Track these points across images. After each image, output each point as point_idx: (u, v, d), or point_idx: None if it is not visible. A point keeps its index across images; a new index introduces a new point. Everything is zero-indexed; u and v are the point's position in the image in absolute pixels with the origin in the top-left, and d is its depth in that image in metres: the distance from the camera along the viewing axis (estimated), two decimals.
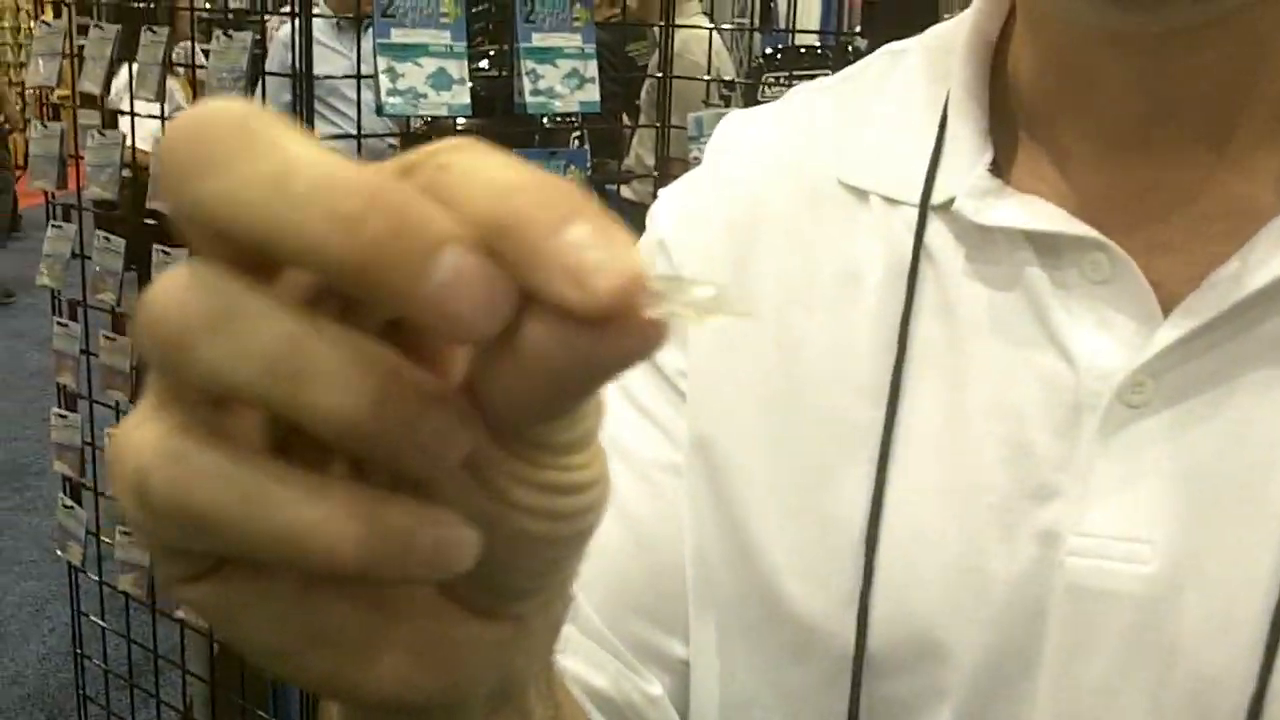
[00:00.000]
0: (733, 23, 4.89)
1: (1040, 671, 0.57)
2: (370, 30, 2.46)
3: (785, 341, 0.66)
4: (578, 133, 3.22)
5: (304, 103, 2.47)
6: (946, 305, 0.62)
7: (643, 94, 4.35)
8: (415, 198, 0.28)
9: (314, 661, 0.33)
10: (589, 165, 2.95)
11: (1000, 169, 0.63)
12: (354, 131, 2.62)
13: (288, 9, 2.78)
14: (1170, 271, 0.58)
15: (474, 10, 4.04)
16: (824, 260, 0.66)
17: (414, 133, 2.81)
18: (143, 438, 0.31)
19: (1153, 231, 0.59)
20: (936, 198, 0.63)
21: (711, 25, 3.23)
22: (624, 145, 4.32)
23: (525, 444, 0.32)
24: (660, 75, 3.08)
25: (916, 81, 0.68)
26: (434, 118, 2.74)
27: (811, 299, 0.66)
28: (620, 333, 0.28)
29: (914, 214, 0.64)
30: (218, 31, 2.54)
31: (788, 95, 0.76)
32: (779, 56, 3.92)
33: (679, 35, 3.86)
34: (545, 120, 2.91)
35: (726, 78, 3.37)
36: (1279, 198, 0.57)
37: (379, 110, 2.46)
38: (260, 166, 0.28)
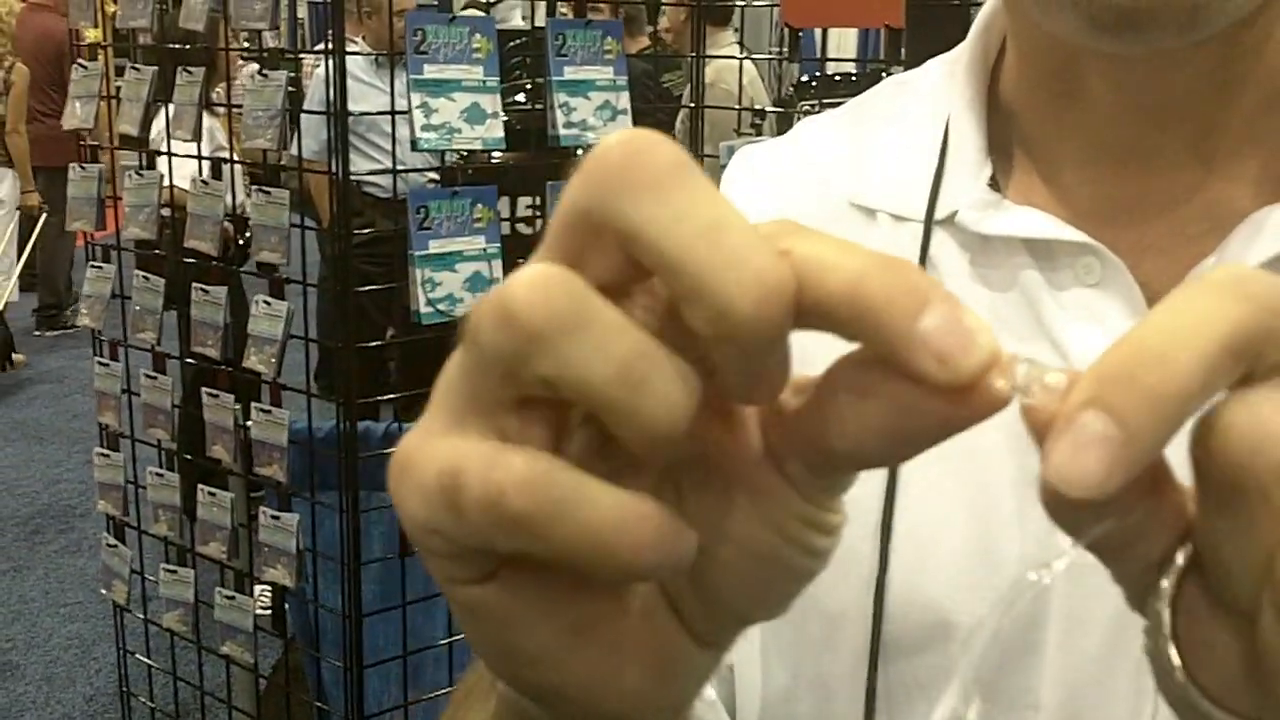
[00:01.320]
0: (766, 53, 4.91)
1: (1045, 645, 0.61)
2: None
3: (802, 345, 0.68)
4: None
5: (339, 139, 2.49)
6: None
7: (677, 124, 4.38)
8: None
9: (573, 667, 0.36)
10: None
11: (998, 183, 0.67)
12: (394, 166, 2.64)
13: (322, 47, 2.81)
14: (1156, 272, 0.62)
15: (510, 45, 4.08)
16: None
17: (450, 166, 2.82)
18: (450, 445, 0.34)
19: (1140, 236, 0.62)
20: (940, 212, 0.67)
21: (742, 55, 3.23)
22: None
23: (814, 485, 0.36)
24: (693, 105, 3.08)
25: (920, 106, 0.72)
26: (469, 151, 2.76)
27: None
28: (971, 402, 0.32)
29: (920, 228, 0.68)
30: (253, 70, 2.56)
31: (797, 125, 0.81)
32: (813, 85, 3.94)
33: (712, 65, 3.88)
34: (580, 152, 2.92)
35: (759, 107, 3.37)
36: (1255, 198, 0.60)
37: (414, 145, 2.47)
38: (701, 209, 0.32)
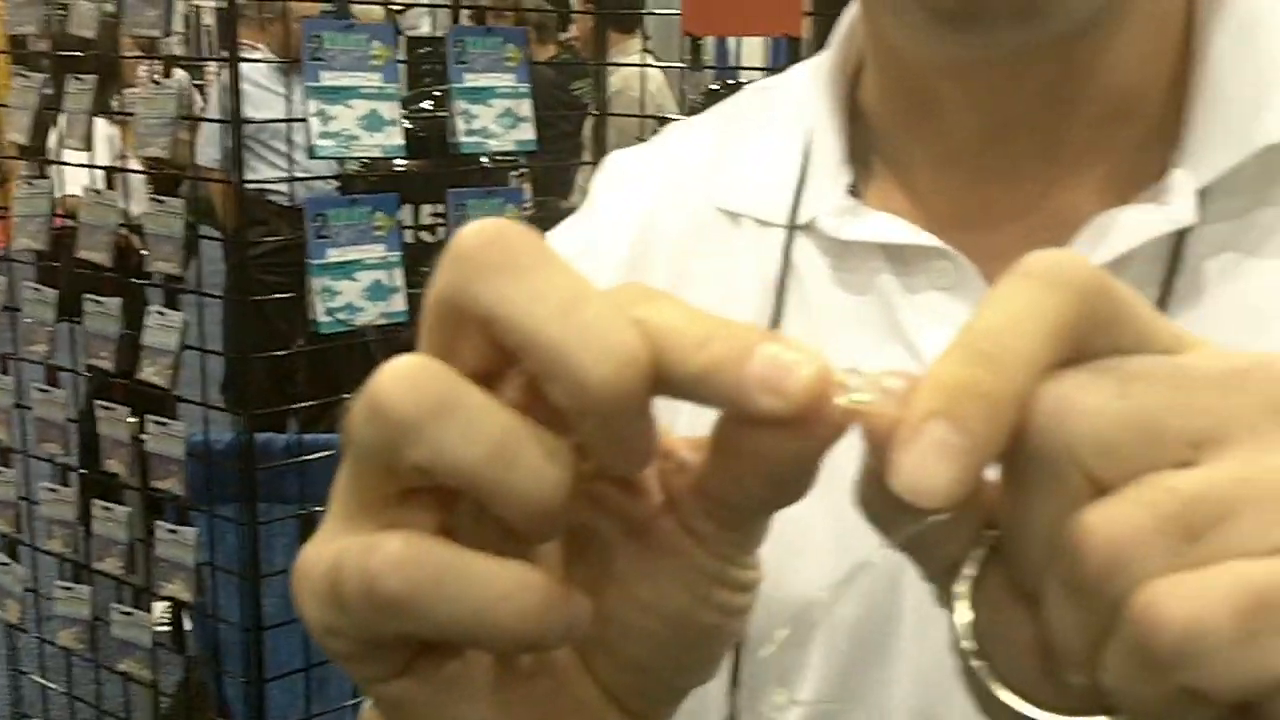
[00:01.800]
0: (675, 61, 4.92)
1: (901, 633, 0.62)
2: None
3: None
4: (519, 171, 3.21)
5: (236, 147, 2.46)
6: (809, 311, 0.67)
7: (586, 131, 4.37)
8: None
9: (438, 688, 0.36)
10: (528, 204, 2.95)
11: (858, 189, 0.69)
12: (293, 174, 2.62)
13: (224, 55, 2.77)
14: None
15: (420, 52, 4.05)
16: (705, 279, 0.71)
17: (350, 174, 2.79)
18: (337, 544, 0.35)
19: (991, 241, 0.64)
20: (801, 218, 0.69)
21: (644, 63, 3.24)
22: (573, 182, 4.34)
23: (722, 540, 0.37)
24: (598, 113, 3.08)
25: (784, 113, 0.73)
26: (370, 159, 2.74)
27: None
28: (817, 426, 0.33)
29: (783, 234, 0.69)
30: (144, 78, 2.52)
31: (665, 131, 0.83)
32: (722, 92, 3.95)
33: (621, 73, 3.88)
34: (486, 159, 2.91)
35: (665, 115, 3.38)
36: (1099, 203, 0.62)
37: (311, 153, 2.44)
38: (556, 288, 0.33)
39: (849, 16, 0.72)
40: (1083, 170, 0.63)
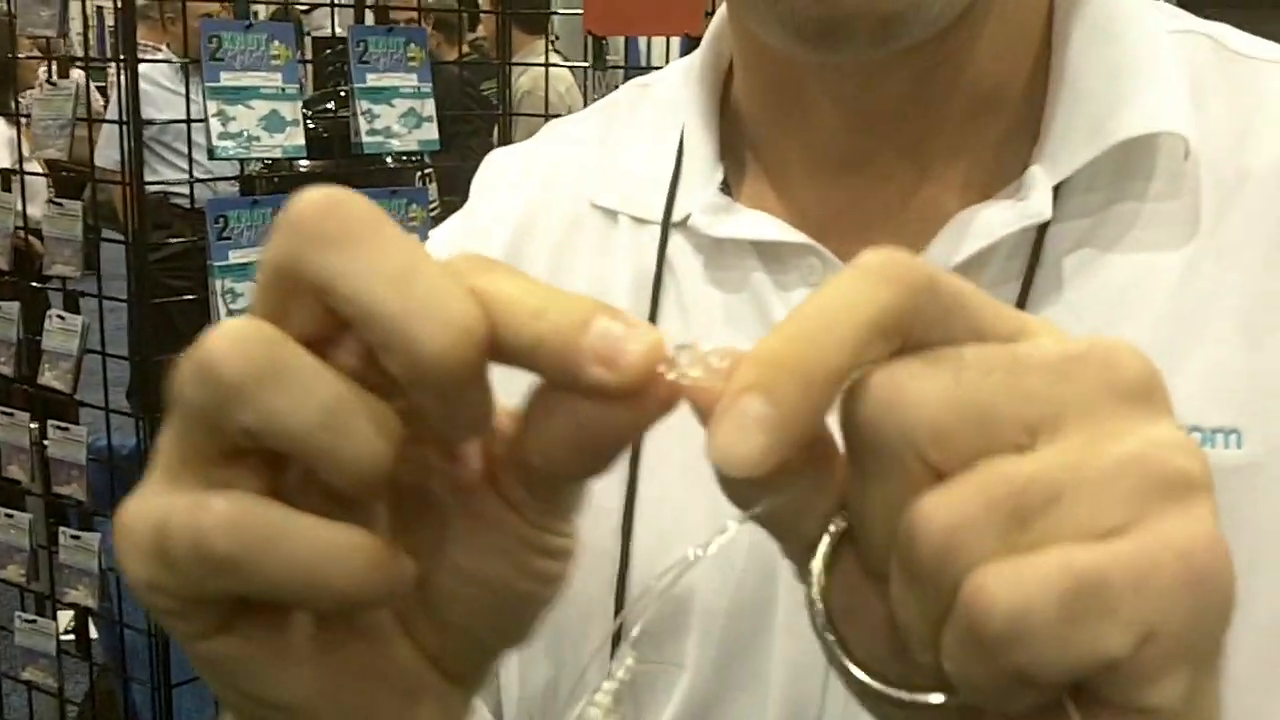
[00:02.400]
0: (582, 61, 4.93)
1: (775, 625, 0.63)
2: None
3: None
4: (423, 171, 3.21)
5: (133, 149, 2.44)
6: (684, 308, 0.68)
7: (495, 130, 4.37)
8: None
9: (322, 712, 0.37)
10: (433, 204, 2.94)
11: (731, 188, 0.69)
12: (195, 175, 2.60)
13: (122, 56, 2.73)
14: None
15: (326, 52, 4.03)
16: (580, 274, 0.72)
17: (251, 175, 2.78)
18: (161, 501, 0.35)
19: (859, 238, 0.64)
20: (676, 215, 0.69)
21: (548, 63, 3.25)
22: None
23: (536, 509, 0.38)
24: (502, 113, 3.09)
25: (659, 111, 0.75)
26: (272, 160, 2.72)
27: None
28: (645, 401, 0.34)
29: (658, 231, 0.70)
30: (41, 79, 2.49)
31: (544, 128, 0.83)
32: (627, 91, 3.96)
33: (530, 73, 3.89)
34: (390, 159, 2.90)
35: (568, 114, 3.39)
36: (962, 201, 0.64)
37: (211, 154, 2.43)
38: (392, 259, 0.33)
39: (720, 17, 0.73)
40: (947, 168, 0.65)
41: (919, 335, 0.33)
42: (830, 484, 0.35)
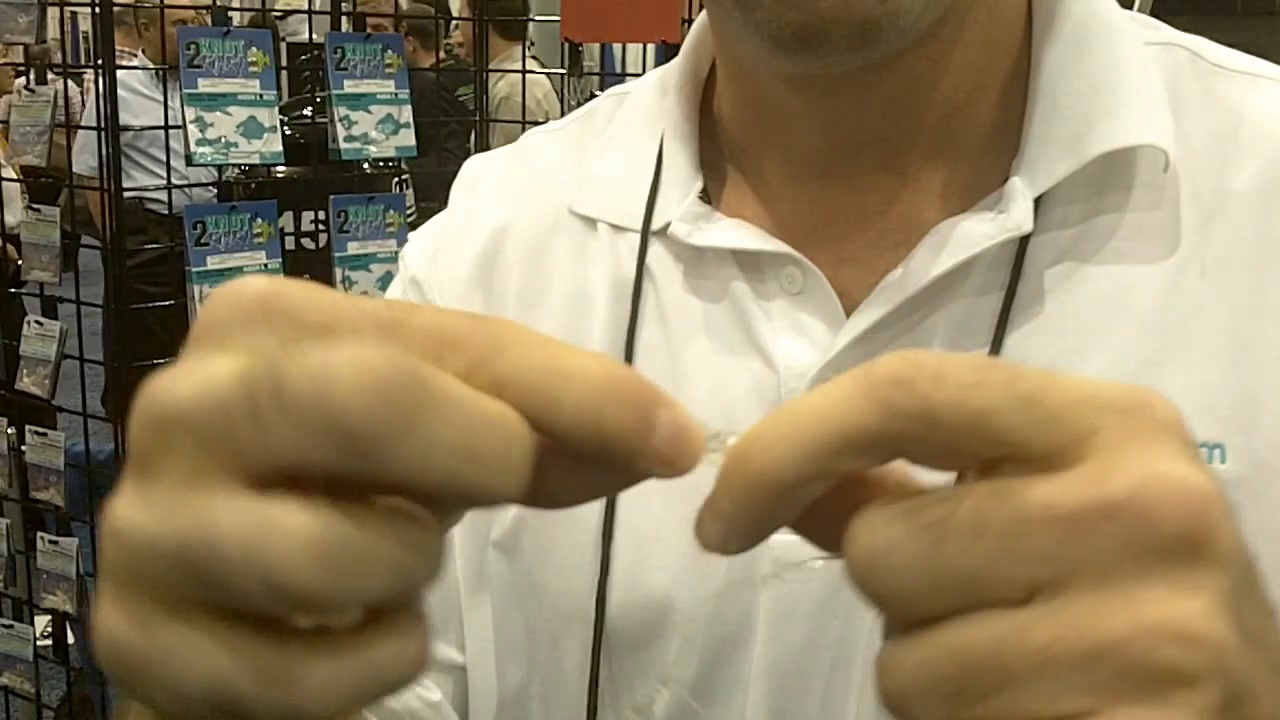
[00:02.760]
0: (560, 67, 4.95)
1: (755, 635, 0.64)
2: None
3: None
4: (399, 177, 3.22)
5: (111, 155, 2.44)
6: (664, 316, 0.69)
7: (472, 136, 4.38)
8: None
9: None
10: (410, 210, 2.96)
11: (710, 196, 0.70)
12: (173, 181, 2.61)
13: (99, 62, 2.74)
14: (853, 281, 0.65)
15: (301, 59, 4.03)
16: (558, 281, 0.73)
17: (228, 181, 2.78)
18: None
19: (838, 248, 0.66)
20: (655, 223, 0.70)
21: (525, 69, 3.26)
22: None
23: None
24: (479, 119, 3.10)
25: (638, 120, 0.75)
26: (249, 166, 2.73)
27: (544, 314, 0.72)
28: (665, 472, 0.35)
29: (637, 239, 0.71)
30: (19, 86, 2.50)
31: (524, 136, 0.84)
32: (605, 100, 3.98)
33: (507, 79, 3.90)
34: (366, 165, 2.91)
35: (546, 120, 3.41)
36: (941, 211, 0.64)
37: (189, 160, 2.44)
38: (449, 435, 0.31)
39: (699, 26, 0.74)
40: (925, 179, 0.65)
41: (921, 454, 0.33)
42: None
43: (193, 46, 2.41)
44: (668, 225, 0.69)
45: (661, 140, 0.72)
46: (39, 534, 2.65)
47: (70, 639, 2.89)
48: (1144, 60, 0.65)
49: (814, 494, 0.34)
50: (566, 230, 0.74)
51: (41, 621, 2.97)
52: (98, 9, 2.41)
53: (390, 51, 2.70)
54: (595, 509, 0.67)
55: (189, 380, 0.32)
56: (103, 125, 2.42)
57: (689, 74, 0.73)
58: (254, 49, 2.49)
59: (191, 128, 2.39)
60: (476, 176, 0.81)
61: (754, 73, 0.67)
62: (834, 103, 0.64)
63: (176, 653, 0.32)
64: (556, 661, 0.69)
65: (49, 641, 3.00)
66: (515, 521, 0.70)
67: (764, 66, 0.65)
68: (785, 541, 0.61)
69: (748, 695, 0.64)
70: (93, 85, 3.79)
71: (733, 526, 0.34)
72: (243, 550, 0.31)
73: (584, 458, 0.34)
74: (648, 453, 0.34)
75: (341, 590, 0.31)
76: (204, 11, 3.15)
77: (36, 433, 2.58)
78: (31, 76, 2.64)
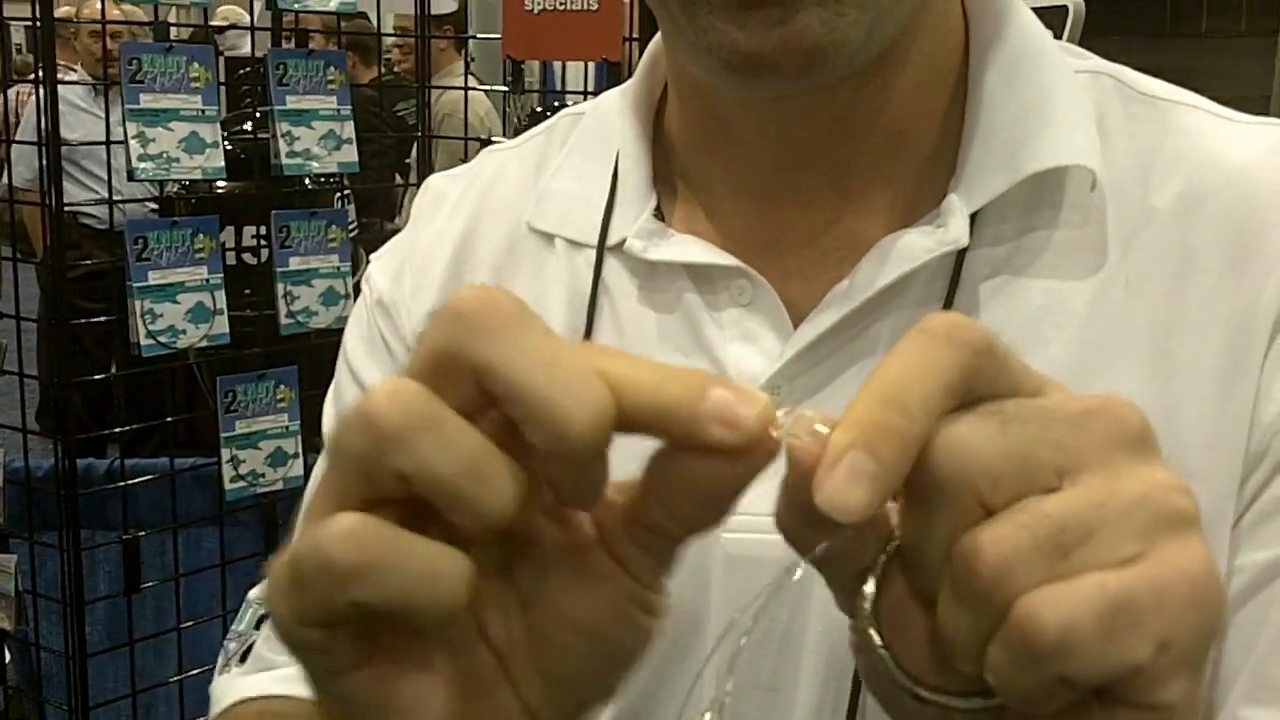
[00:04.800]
0: (501, 84, 4.95)
1: (708, 631, 0.67)
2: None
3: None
4: (341, 193, 3.22)
5: (51, 169, 2.43)
6: (620, 326, 0.71)
7: (413, 153, 4.38)
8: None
9: (377, 676, 0.41)
10: (352, 224, 2.96)
11: (664, 213, 0.73)
12: (109, 196, 2.60)
13: (33, 75, 2.73)
14: (800, 293, 0.68)
15: (240, 73, 4.02)
16: (519, 294, 0.73)
17: (170, 196, 2.77)
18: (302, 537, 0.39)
19: (785, 261, 0.69)
20: (611, 239, 0.73)
21: (467, 86, 3.28)
22: (398, 203, 4.34)
23: (643, 565, 0.43)
24: (421, 135, 3.11)
25: (594, 139, 0.77)
26: (190, 181, 2.72)
27: None
28: (756, 455, 0.39)
29: (593, 254, 0.73)
30: None
31: (481, 155, 0.86)
32: (547, 114, 4.00)
33: (449, 96, 3.91)
34: (308, 181, 2.91)
35: (487, 137, 3.42)
36: (884, 227, 0.67)
37: (130, 175, 2.43)
38: (540, 348, 0.38)
39: (653, 48, 0.76)
40: (869, 197, 0.68)
41: (975, 389, 0.39)
42: (877, 526, 0.41)
43: (135, 62, 2.40)
44: (623, 241, 0.71)
45: (617, 159, 0.74)
46: None
47: (7, 657, 2.86)
48: (1074, 86, 0.68)
49: None
50: (525, 245, 0.76)
51: None
52: (39, 22, 2.40)
53: (332, 68, 2.71)
54: None
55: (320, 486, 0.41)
56: (43, 140, 2.40)
57: (643, 94, 0.76)
58: (196, 64, 2.49)
59: (133, 143, 2.38)
60: (438, 195, 0.83)
61: (705, 93, 0.70)
62: (781, 123, 0.67)
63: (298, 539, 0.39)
64: None
65: None
66: None
67: (715, 87, 0.67)
68: (734, 539, 0.65)
69: (704, 694, 0.66)
70: (28, 99, 3.77)
71: (881, 485, 0.37)
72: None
73: (675, 470, 0.40)
74: (701, 416, 0.38)
75: (368, 573, 0.38)
76: (135, 27, 3.15)
77: None
78: None
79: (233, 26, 4.33)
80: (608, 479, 0.41)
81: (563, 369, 0.38)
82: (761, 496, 0.64)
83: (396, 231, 0.86)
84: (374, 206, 3.53)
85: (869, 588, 0.41)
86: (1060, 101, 0.67)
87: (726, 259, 0.69)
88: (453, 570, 0.39)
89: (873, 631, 0.41)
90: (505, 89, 2.82)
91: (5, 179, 2.79)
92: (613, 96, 0.78)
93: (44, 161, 2.44)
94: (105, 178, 2.62)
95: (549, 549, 0.43)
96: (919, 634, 0.40)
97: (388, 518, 0.39)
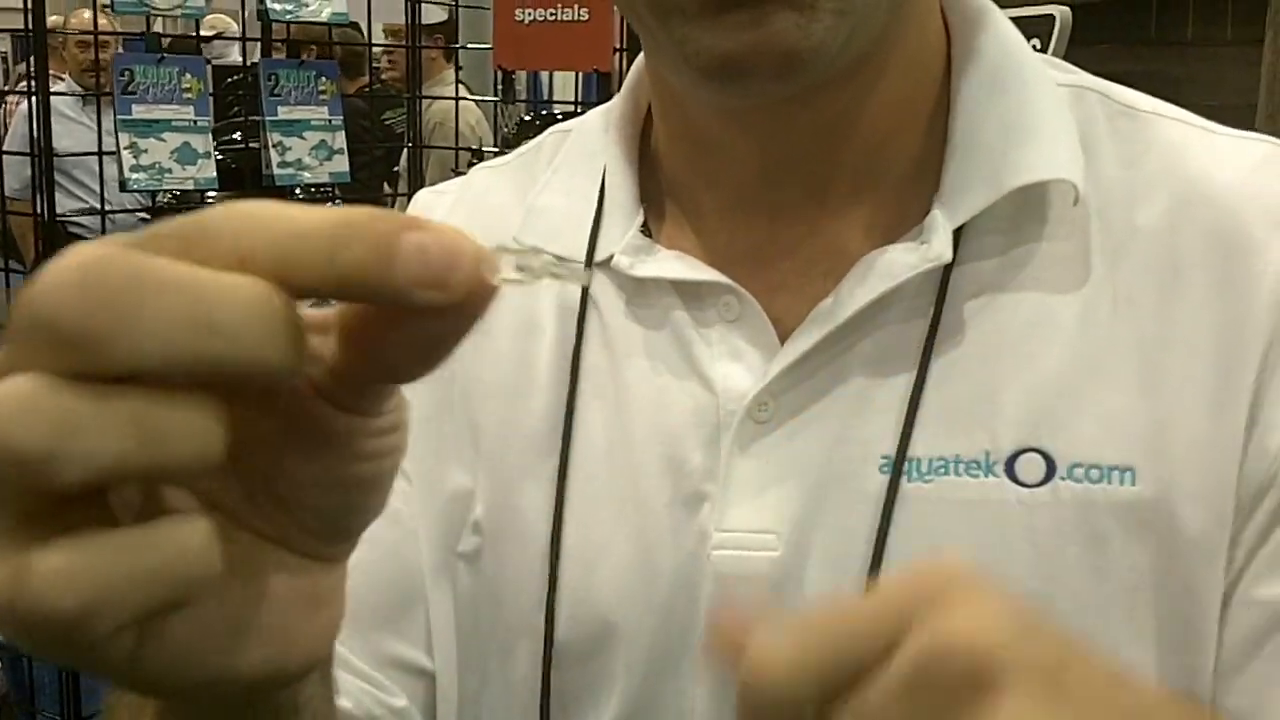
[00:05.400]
0: (490, 94, 4.97)
1: (698, 648, 0.67)
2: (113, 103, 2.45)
3: (464, 378, 0.75)
4: (332, 203, 3.24)
5: (45, 180, 2.44)
6: (609, 340, 0.72)
7: (402, 162, 4.39)
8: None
9: (182, 635, 0.36)
10: None
11: (651, 229, 0.73)
12: (99, 204, 2.61)
13: (24, 86, 2.73)
14: (786, 309, 0.68)
15: (227, 82, 4.03)
16: (507, 310, 0.75)
17: (162, 206, 2.78)
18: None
19: (771, 276, 0.69)
20: (599, 256, 0.72)
21: (458, 96, 3.29)
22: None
23: (366, 401, 0.38)
24: (412, 145, 3.13)
25: (581, 156, 0.78)
26: (181, 191, 2.73)
27: (496, 337, 0.75)
28: (473, 305, 0.34)
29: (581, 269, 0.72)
30: None
31: (470, 172, 0.86)
32: (536, 123, 4.01)
33: (439, 106, 3.92)
34: (298, 191, 2.93)
35: (478, 146, 3.44)
36: (866, 241, 0.67)
37: (122, 186, 2.44)
38: (173, 313, 0.31)
39: (638, 66, 0.77)
40: (850, 210, 0.68)
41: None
42: None
43: (127, 73, 2.41)
44: (610, 257, 0.72)
45: (604, 175, 0.75)
46: None
47: None
48: (1056, 100, 0.69)
49: None
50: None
51: None
52: (31, 33, 2.40)
53: (324, 78, 2.72)
54: (543, 528, 0.70)
55: None
56: (36, 151, 2.41)
57: (629, 112, 0.76)
58: (188, 75, 2.50)
59: (126, 154, 2.39)
60: (427, 209, 0.84)
61: (687, 106, 0.70)
62: (761, 134, 0.68)
63: None
64: (506, 673, 0.72)
65: None
66: (478, 535, 0.73)
67: (695, 98, 0.68)
68: (723, 555, 0.66)
69: (693, 707, 0.67)
70: (15, 108, 3.78)
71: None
72: None
73: (386, 315, 0.35)
74: (397, 279, 0.33)
75: (64, 450, 0.31)
76: (118, 37, 3.15)
77: None
78: None
79: (219, 36, 4.33)
80: (305, 347, 0.34)
81: (222, 313, 0.32)
82: (750, 514, 0.67)
83: None
84: None
85: None
86: (1042, 115, 0.67)
87: (712, 275, 0.69)
88: (182, 417, 0.33)
89: None
90: (496, 99, 2.83)
91: None
92: (600, 113, 0.79)
93: (36, 171, 2.45)
94: (91, 187, 2.62)
95: (267, 425, 0.38)
96: None
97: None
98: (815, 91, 0.64)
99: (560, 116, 4.03)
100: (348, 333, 0.36)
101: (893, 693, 0.38)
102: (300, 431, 0.38)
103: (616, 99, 0.77)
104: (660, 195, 0.74)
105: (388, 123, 4.96)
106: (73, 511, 0.33)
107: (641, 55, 0.75)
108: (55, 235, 2.51)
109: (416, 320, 0.35)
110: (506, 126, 3.81)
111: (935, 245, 0.65)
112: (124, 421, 0.32)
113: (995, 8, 0.71)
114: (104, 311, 0.31)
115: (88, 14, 2.86)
